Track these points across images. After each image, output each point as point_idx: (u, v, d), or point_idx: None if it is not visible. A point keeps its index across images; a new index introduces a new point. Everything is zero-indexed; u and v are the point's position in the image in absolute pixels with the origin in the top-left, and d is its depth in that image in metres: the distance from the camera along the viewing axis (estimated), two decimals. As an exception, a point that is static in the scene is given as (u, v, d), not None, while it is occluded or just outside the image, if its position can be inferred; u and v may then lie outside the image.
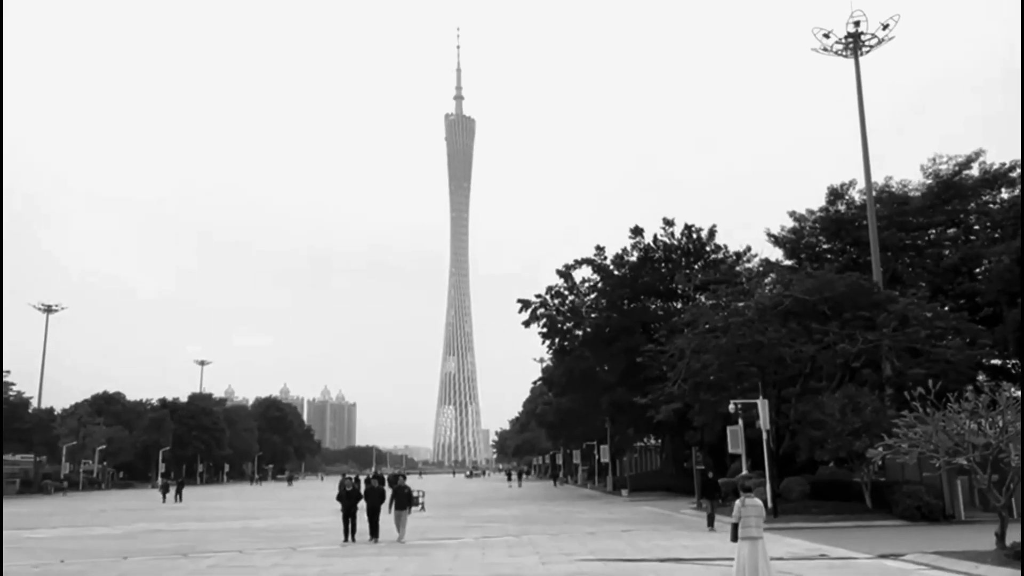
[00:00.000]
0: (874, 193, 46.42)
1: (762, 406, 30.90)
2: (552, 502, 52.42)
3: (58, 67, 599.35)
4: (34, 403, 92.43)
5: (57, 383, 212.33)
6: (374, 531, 24.35)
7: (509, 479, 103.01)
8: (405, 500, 24.76)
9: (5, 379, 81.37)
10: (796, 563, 18.57)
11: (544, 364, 68.76)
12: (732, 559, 19.55)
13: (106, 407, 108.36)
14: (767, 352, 32.49)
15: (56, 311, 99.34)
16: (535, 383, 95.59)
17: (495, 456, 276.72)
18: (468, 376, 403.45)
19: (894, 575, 16.98)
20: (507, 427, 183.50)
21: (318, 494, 70.08)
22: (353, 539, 24.21)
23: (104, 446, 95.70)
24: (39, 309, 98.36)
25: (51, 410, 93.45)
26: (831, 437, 28.79)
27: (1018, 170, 45.90)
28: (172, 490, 60.24)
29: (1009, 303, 40.81)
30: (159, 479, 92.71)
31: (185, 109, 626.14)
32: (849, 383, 30.91)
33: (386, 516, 24.69)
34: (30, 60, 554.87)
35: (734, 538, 14.76)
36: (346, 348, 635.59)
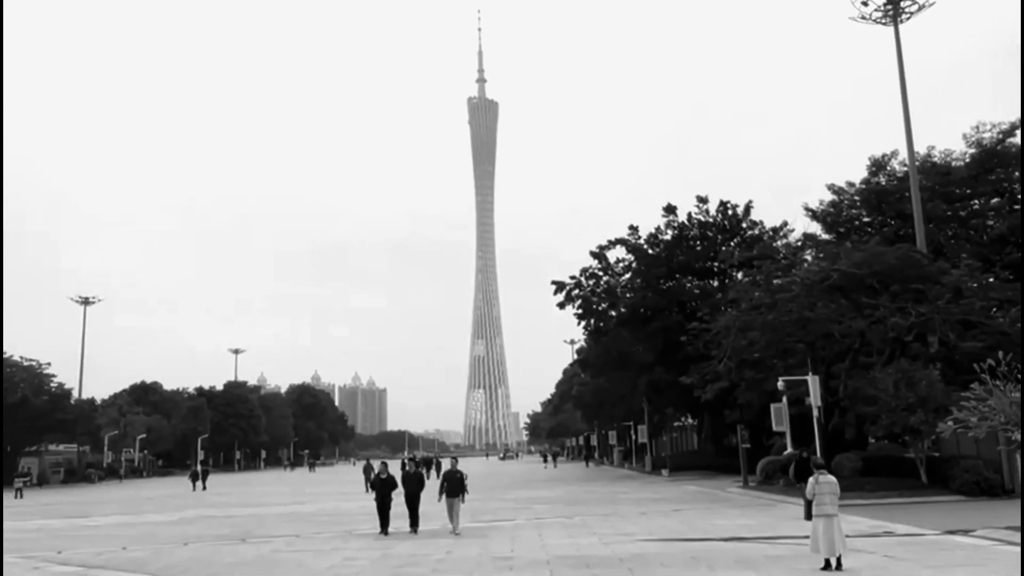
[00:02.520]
0: (916, 163, 45.46)
1: (813, 383, 30.42)
2: (592, 483, 52.30)
3: (94, 71, 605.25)
4: (75, 394, 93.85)
5: (95, 374, 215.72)
6: (414, 521, 22.15)
7: (545, 461, 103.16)
8: (458, 486, 21.88)
9: (46, 371, 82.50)
10: (863, 540, 18.20)
11: (577, 346, 68.76)
12: (796, 537, 19.42)
13: (144, 397, 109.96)
14: (815, 328, 31.96)
15: (93, 303, 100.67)
16: (571, 364, 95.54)
17: (526, 438, 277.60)
18: (497, 359, 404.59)
19: (968, 551, 16.57)
20: (537, 409, 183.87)
21: (347, 479, 70.37)
22: (387, 531, 21.77)
23: (144, 435, 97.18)
24: (77, 301, 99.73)
25: (92, 400, 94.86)
26: (885, 413, 28.27)
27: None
28: (200, 478, 60.02)
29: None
30: (198, 466, 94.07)
31: (214, 104, 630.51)
32: (900, 358, 30.28)
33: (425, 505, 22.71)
34: (76, 66, 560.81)
35: (808, 516, 14.49)
36: (375, 334, 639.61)
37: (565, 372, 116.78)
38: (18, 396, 76.15)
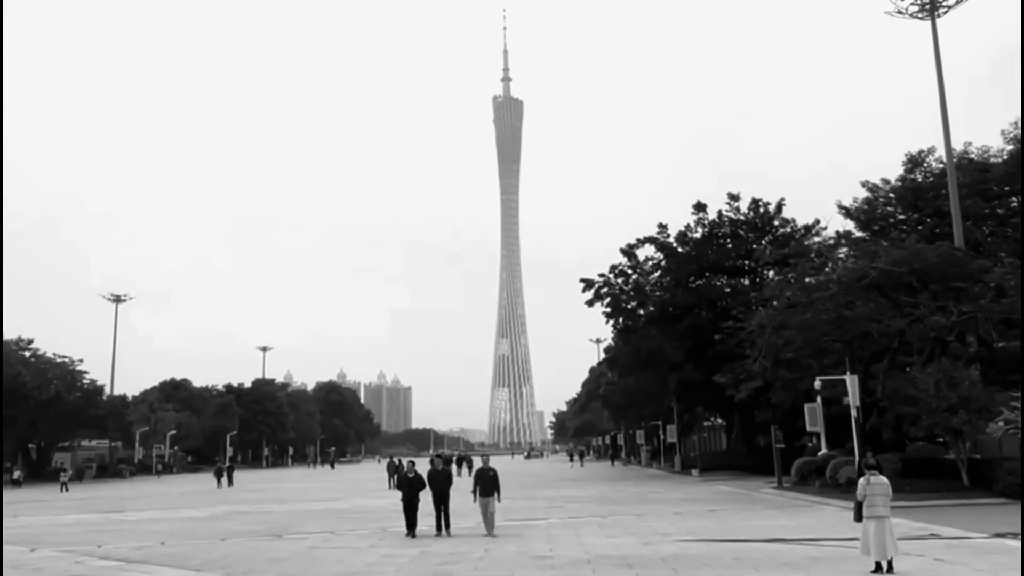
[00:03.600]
0: (953, 160, 44.67)
1: (851, 382, 29.96)
2: (623, 482, 51.99)
3: (133, 74, 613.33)
4: (106, 390, 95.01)
5: (124, 371, 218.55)
6: (445, 522, 20.86)
7: (571, 459, 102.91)
8: (491, 484, 20.58)
9: (78, 367, 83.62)
10: (909, 543, 17.80)
11: (604, 344, 68.48)
12: (838, 539, 19.09)
13: (174, 393, 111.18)
14: (852, 327, 31.46)
15: (124, 300, 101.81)
16: (598, 363, 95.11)
17: (551, 437, 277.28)
18: (522, 358, 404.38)
19: (1019, 555, 16.15)
20: (563, 408, 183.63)
21: (374, 476, 70.49)
22: (414, 533, 20.65)
23: (174, 431, 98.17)
24: (108, 299, 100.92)
25: (124, 397, 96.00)
26: (926, 413, 27.76)
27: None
28: (225, 475, 59.07)
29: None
30: (227, 461, 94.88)
31: (242, 105, 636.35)
32: (941, 357, 29.72)
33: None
34: (125, 73, 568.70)
35: (858, 517, 14.18)
36: (400, 332, 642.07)
37: (592, 371, 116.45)
38: (52, 392, 77.27)
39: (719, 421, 74.22)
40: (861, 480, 14.19)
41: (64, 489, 56.09)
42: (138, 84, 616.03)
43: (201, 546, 20.28)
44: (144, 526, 27.12)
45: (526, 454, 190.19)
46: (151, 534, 23.75)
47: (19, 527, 27.59)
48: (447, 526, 20.80)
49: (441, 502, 20.85)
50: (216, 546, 20.21)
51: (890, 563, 13.67)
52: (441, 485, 20.97)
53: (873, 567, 13.69)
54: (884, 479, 14.18)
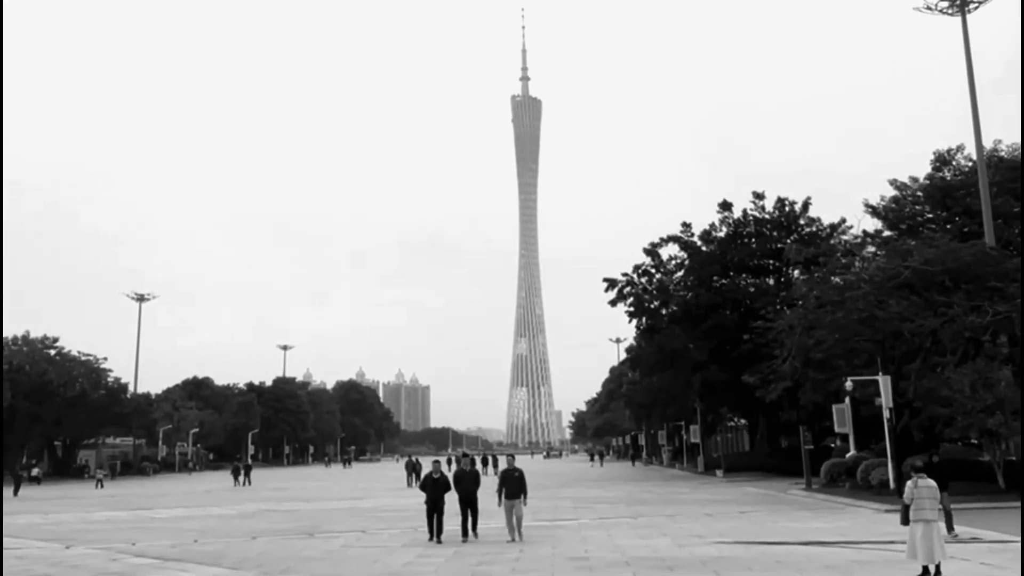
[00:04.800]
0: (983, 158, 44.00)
1: (884, 383, 29.58)
2: (647, 482, 51.71)
3: (150, 78, 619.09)
4: (130, 388, 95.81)
5: (145, 368, 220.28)
6: (473, 525, 19.69)
7: (591, 459, 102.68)
8: (518, 486, 19.19)
9: (102, 365, 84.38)
10: (952, 547, 17.48)
11: (624, 344, 68.20)
12: (878, 542, 18.83)
13: (196, 392, 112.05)
14: (884, 326, 31.04)
15: (148, 300, 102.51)
16: (619, 363, 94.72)
17: (569, 437, 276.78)
18: (540, 357, 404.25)
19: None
20: (582, 408, 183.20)
21: (394, 476, 70.53)
22: (439, 538, 19.30)
23: (197, 429, 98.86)
24: (132, 298, 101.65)
25: (148, 395, 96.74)
26: (961, 415, 27.33)
27: None
28: (242, 474, 58.43)
29: None
30: (248, 460, 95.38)
31: (261, 105, 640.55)
32: (976, 358, 29.27)
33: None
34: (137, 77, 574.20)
35: (904, 521, 13.89)
36: (418, 331, 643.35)
37: (612, 370, 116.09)
38: (77, 390, 77.97)
39: (741, 422, 73.72)
40: (908, 483, 13.91)
41: (100, 486, 57.16)
42: (164, 81, 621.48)
43: (234, 544, 20.30)
44: (175, 523, 27.25)
45: (545, 454, 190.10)
46: (183, 532, 23.83)
47: (51, 524, 27.82)
48: (474, 529, 19.70)
49: (469, 505, 19.61)
50: (249, 544, 20.22)
51: (938, 567, 13.39)
52: (468, 487, 19.70)
53: (920, 572, 13.42)
54: (932, 482, 13.90)
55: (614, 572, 14.82)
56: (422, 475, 59.17)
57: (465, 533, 19.54)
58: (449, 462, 62.63)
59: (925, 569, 13.42)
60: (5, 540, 21.94)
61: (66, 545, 20.56)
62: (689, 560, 16.09)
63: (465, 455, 24.07)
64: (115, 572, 15.89)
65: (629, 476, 63.20)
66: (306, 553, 18.29)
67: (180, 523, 27.36)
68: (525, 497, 19.57)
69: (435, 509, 19.42)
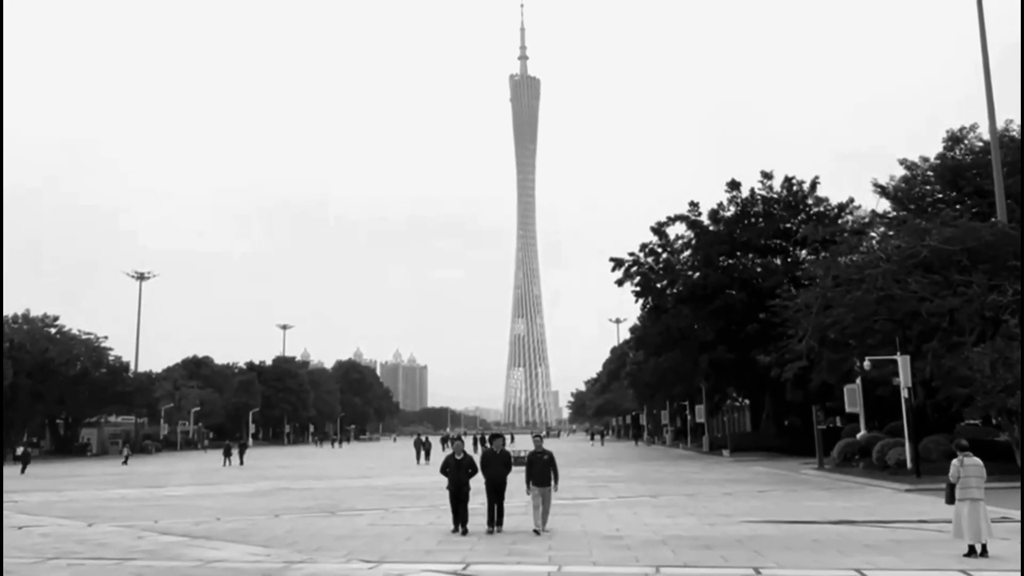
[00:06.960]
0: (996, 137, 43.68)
1: (903, 363, 29.46)
2: (655, 462, 51.75)
3: (156, 61, 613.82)
4: (131, 367, 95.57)
5: (145, 347, 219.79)
6: (500, 515, 17.22)
7: (592, 439, 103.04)
8: (546, 470, 16.93)
9: (103, 344, 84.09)
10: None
11: (625, 324, 68.11)
12: (908, 521, 18.75)
13: (196, 371, 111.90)
14: (901, 305, 30.89)
15: (148, 278, 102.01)
16: (622, 343, 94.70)
17: (567, 416, 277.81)
18: (537, 338, 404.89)
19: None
20: (580, 388, 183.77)
21: (393, 455, 70.60)
22: (465, 529, 17.04)
23: (198, 408, 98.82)
24: (132, 277, 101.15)
25: (149, 374, 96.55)
26: (980, 394, 27.23)
27: None
28: (235, 453, 55.52)
29: None
30: (249, 439, 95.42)
31: (264, 86, 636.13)
32: (995, 337, 29.13)
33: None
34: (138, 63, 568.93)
35: (950, 500, 13.75)
36: (415, 311, 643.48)
37: (614, 350, 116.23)
38: (78, 369, 77.77)
39: (744, 401, 73.81)
40: (954, 461, 13.76)
41: (126, 463, 57.59)
42: (164, 58, 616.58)
43: (258, 522, 20.14)
44: (191, 501, 27.12)
45: (545, 433, 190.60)
46: (202, 510, 23.69)
47: (66, 501, 27.67)
48: (500, 521, 17.23)
49: (497, 491, 17.21)
50: (274, 522, 20.06)
51: (984, 547, 13.28)
52: (497, 471, 17.24)
53: (966, 550, 13.31)
54: (978, 460, 13.75)
55: (653, 550, 14.68)
56: (430, 453, 58.31)
57: (491, 523, 17.22)
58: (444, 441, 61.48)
59: (971, 548, 13.30)
60: (25, 518, 21.82)
61: (88, 523, 20.37)
62: (724, 539, 15.96)
63: (496, 436, 20.96)
64: (146, 550, 15.69)
65: (635, 456, 63.27)
66: (335, 531, 18.12)
67: (197, 501, 27.23)
68: (556, 483, 17.21)
69: (459, 495, 17.16)
